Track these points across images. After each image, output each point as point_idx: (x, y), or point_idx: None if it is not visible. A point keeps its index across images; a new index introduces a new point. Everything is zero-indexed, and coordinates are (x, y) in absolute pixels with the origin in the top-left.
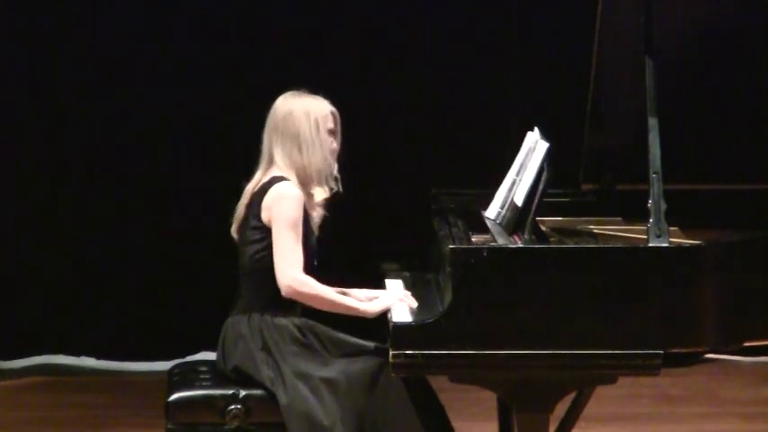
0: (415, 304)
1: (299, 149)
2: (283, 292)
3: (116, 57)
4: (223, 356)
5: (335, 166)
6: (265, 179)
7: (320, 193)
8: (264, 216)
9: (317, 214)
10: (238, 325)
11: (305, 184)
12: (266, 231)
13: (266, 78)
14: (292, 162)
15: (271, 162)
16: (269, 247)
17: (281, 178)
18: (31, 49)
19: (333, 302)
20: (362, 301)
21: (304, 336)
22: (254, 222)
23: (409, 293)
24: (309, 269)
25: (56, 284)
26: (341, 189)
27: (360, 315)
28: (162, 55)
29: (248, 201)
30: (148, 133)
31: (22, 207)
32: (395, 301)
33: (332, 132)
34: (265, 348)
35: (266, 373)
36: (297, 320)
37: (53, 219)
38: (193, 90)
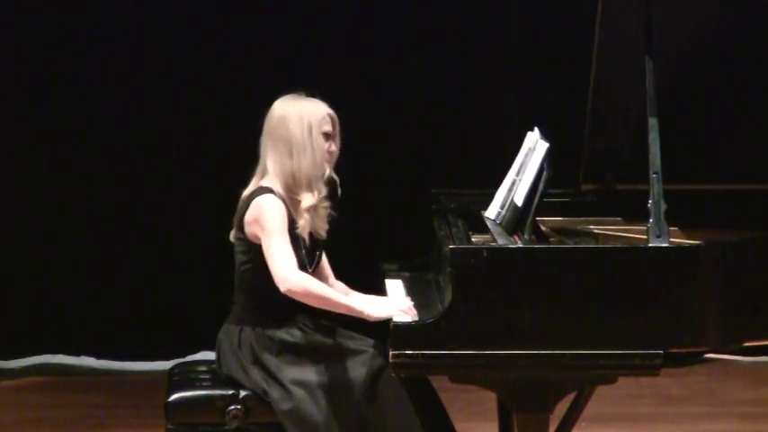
0: (416, 316)
1: (290, 154)
2: (283, 291)
3: (116, 57)
4: (219, 362)
5: (329, 170)
6: (253, 188)
7: (308, 199)
8: (247, 230)
9: (305, 221)
10: (231, 336)
11: (293, 190)
12: (249, 245)
13: (267, 80)
14: (282, 168)
15: (265, 169)
16: (252, 261)
17: (262, 190)
18: (31, 49)
19: (333, 301)
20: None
21: (300, 344)
22: (238, 234)
23: (412, 305)
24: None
25: (56, 284)
26: (338, 192)
27: (359, 316)
28: (162, 56)
29: (238, 208)
30: (149, 134)
31: (23, 207)
32: (396, 311)
33: (328, 135)
34: (257, 362)
35: (260, 387)
36: (291, 330)
37: (53, 219)
38: (193, 91)
